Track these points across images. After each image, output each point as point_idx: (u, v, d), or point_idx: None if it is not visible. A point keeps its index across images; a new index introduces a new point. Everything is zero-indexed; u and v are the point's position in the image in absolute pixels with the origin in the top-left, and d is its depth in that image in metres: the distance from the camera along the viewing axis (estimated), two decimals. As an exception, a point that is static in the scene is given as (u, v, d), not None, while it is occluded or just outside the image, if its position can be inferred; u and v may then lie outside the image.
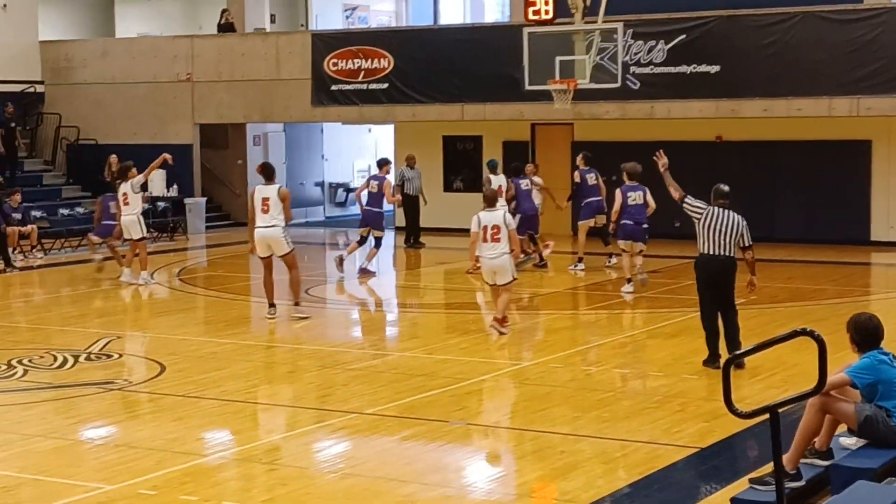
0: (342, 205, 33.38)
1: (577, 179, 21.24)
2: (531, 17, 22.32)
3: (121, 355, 14.01)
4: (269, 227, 16.09)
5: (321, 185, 32.97)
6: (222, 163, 30.31)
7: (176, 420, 11.11)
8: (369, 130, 32.97)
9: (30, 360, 13.56)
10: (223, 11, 29.98)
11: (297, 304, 16.60)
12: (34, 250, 24.00)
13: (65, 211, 27.40)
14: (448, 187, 28.08)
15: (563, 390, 12.24)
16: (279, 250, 16.25)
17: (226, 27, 29.69)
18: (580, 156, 21.43)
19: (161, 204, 28.25)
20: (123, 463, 9.77)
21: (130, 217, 19.98)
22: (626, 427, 10.70)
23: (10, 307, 19.28)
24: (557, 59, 21.65)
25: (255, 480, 9.42)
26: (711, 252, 12.57)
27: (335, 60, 27.45)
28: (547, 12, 22.04)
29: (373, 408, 11.37)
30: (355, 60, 27.21)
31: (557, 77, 21.62)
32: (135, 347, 14.48)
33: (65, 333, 15.78)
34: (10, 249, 22.73)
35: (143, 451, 10.04)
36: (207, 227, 28.81)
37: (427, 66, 26.50)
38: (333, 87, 27.50)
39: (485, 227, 14.63)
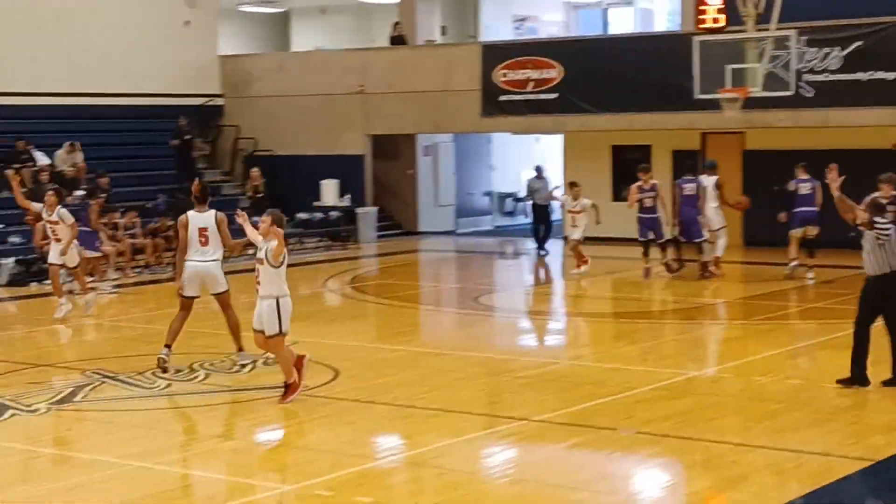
0: (510, 214, 33.57)
1: (792, 188, 20.81)
2: (702, 25, 22.12)
3: (296, 360, 14.35)
4: (207, 262, 13.85)
5: (489, 194, 33.22)
6: (393, 173, 30.77)
7: (349, 424, 11.37)
8: (537, 140, 33.07)
9: (210, 364, 14.02)
10: (395, 24, 30.47)
11: (240, 349, 14.21)
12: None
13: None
14: (617, 196, 27.95)
15: (734, 400, 12.15)
16: (214, 288, 14.10)
17: (397, 39, 30.18)
18: (800, 165, 21.05)
19: (333, 213, 28.83)
20: (299, 464, 10.07)
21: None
22: (798, 438, 10.57)
23: (193, 314, 19.87)
24: (729, 67, 21.38)
25: (425, 484, 9.61)
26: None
27: (504, 71, 27.66)
28: (718, 21, 21.81)
29: (541, 415, 11.46)
30: (524, 71, 27.38)
31: (729, 85, 21.37)
32: (310, 353, 14.76)
33: (243, 339, 16.20)
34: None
35: (319, 453, 10.33)
36: (378, 237, 29.29)
37: (596, 76, 26.51)
38: (502, 98, 27.70)
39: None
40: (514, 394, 12.68)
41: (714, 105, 22.25)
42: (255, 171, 29.20)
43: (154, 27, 29.92)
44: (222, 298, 14.11)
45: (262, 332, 12.11)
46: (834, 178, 12.50)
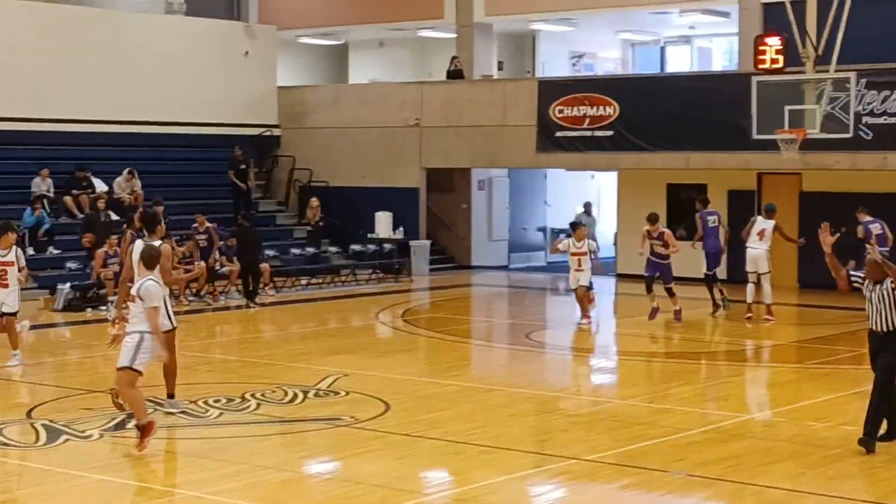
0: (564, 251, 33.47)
1: (861, 235, 20.52)
2: (761, 66, 22.04)
3: (347, 393, 14.41)
4: None
5: (543, 230, 33.19)
6: (447, 206, 30.83)
7: (399, 458, 11.38)
8: (592, 177, 33.04)
9: (262, 395, 14.08)
10: (453, 58, 30.61)
11: (171, 395, 13.24)
12: (266, 288, 24.88)
13: (296, 251, 28.32)
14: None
15: (788, 445, 12.04)
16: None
17: (455, 74, 30.31)
18: (861, 209, 20.90)
19: (387, 246, 28.92)
20: (349, 497, 10.08)
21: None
22: (852, 486, 10.46)
23: (244, 342, 20.04)
24: (787, 108, 21.30)
25: (475, 521, 9.60)
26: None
27: (561, 107, 27.68)
28: (776, 61, 21.71)
29: (591, 454, 11.41)
30: (581, 107, 27.39)
31: (787, 126, 21.27)
32: (361, 385, 14.85)
33: (294, 370, 16.32)
34: (262, 286, 23.72)
35: (368, 486, 10.34)
36: (431, 270, 29.33)
37: (653, 114, 26.47)
38: (558, 134, 27.72)
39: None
40: (564, 432, 12.64)
41: (771, 145, 22.14)
42: (314, 201, 29.40)
43: (214, 57, 30.25)
44: (166, 338, 12.40)
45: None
46: (826, 237, 12.12)
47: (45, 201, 25.28)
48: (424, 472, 11.13)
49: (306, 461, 11.55)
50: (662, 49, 35.19)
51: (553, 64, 33.43)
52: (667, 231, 21.27)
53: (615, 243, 29.33)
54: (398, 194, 29.80)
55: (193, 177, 29.04)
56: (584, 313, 20.63)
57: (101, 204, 25.13)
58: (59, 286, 22.29)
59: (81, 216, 25.21)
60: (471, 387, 15.31)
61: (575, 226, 21.63)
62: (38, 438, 11.88)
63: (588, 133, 27.35)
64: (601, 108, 27.19)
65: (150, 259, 11.77)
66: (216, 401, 13.65)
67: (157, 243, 12.88)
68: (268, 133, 31.22)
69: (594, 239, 23.96)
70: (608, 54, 35.23)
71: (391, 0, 32.11)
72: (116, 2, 30.12)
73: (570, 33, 33.17)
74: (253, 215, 25.54)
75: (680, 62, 34.77)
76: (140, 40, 28.81)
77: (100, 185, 26.55)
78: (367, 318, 22.57)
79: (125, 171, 26.85)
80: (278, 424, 12.91)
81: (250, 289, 23.09)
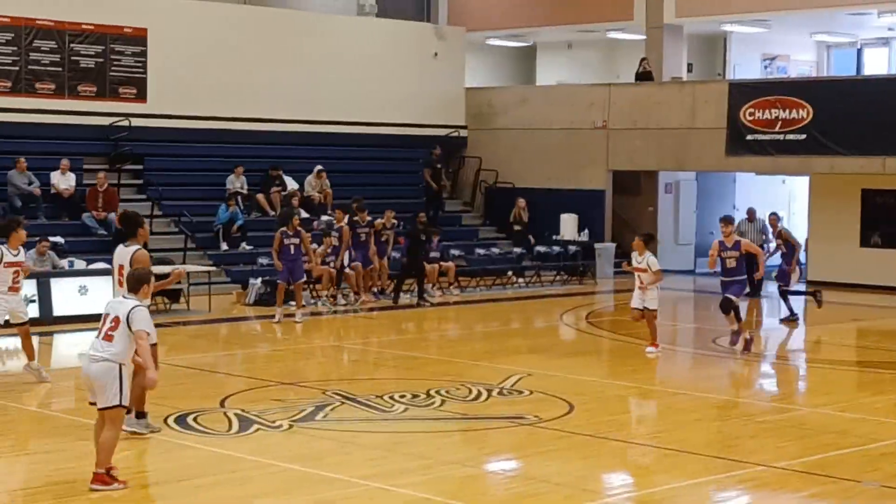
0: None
1: None
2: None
3: (531, 392, 14.42)
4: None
5: (731, 235, 32.59)
6: (633, 209, 30.59)
7: (583, 458, 11.34)
8: (783, 182, 32.36)
9: (447, 392, 14.20)
10: (642, 60, 30.36)
11: (141, 413, 11.69)
12: (451, 287, 25.09)
13: (481, 251, 28.48)
14: (865, 242, 27.10)
15: None
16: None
17: (644, 76, 30.06)
18: None
19: (571, 248, 28.85)
20: (532, 495, 10.09)
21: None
22: None
23: (427, 340, 20.25)
24: None
25: (659, 524, 9.51)
26: None
27: (752, 110, 27.19)
28: (981, 62, 20.98)
29: (780, 462, 11.17)
30: (773, 110, 26.85)
31: None
32: (544, 385, 14.83)
33: (478, 368, 16.41)
34: (429, 285, 23.89)
35: (551, 485, 10.33)
36: (616, 273, 29.11)
37: (848, 118, 25.78)
38: (749, 137, 27.23)
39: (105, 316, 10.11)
40: (751, 438, 12.41)
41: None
42: (521, 201, 29.41)
43: (404, 58, 30.63)
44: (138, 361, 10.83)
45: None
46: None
47: (239, 198, 25.99)
48: (607, 474, 11.06)
49: (490, 458, 11.61)
50: (859, 51, 34.26)
51: (744, 66, 32.87)
52: (744, 241, 18.18)
53: (805, 250, 28.66)
54: (584, 196, 29.69)
55: (381, 176, 29.47)
56: (653, 339, 17.55)
57: (296, 201, 25.69)
58: (251, 281, 22.87)
59: (273, 213, 25.82)
60: (655, 390, 15.17)
61: (649, 238, 18.05)
62: (230, 427, 12.21)
63: (779, 136, 26.81)
64: (794, 111, 26.61)
65: (137, 282, 10.18)
66: (401, 396, 13.82)
67: (135, 248, 11.66)
68: (455, 134, 31.46)
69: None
70: (802, 56, 34.46)
71: (580, 1, 32.03)
72: (309, 4, 30.76)
73: (762, 35, 32.56)
74: (424, 219, 25.51)
75: (878, 65, 33.77)
76: (332, 42, 29.37)
77: (291, 184, 27.17)
78: (552, 319, 22.55)
79: (315, 170, 27.41)
80: (462, 421, 13.00)
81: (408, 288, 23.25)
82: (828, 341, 20.52)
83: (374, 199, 27.16)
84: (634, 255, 17.41)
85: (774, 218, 22.52)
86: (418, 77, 30.75)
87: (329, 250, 22.83)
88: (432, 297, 23.76)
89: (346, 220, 22.90)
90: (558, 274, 27.94)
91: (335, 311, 22.17)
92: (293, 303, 20.81)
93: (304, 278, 20.90)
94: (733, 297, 17.53)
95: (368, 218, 23.37)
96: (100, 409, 9.84)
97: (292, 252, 20.33)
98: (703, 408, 14.09)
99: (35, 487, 9.40)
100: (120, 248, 11.87)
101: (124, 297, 10.23)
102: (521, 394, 14.35)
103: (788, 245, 21.46)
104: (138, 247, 11.75)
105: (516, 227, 29.43)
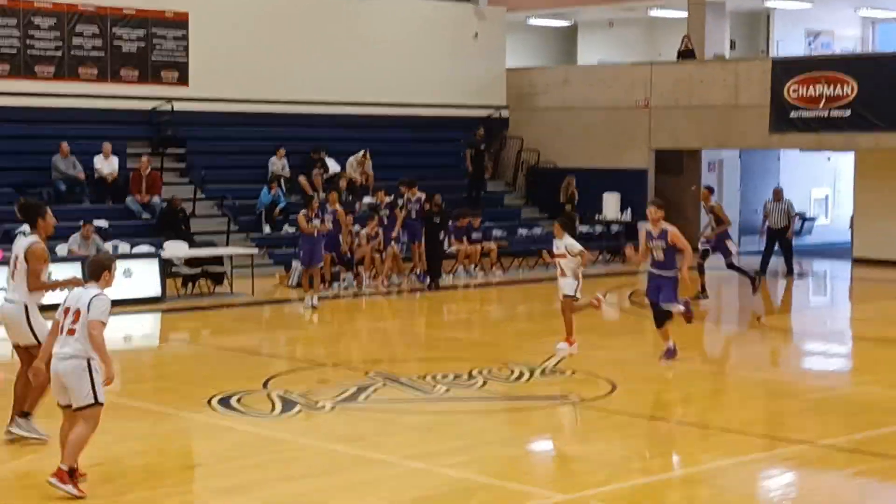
0: (797, 234, 32.65)
1: None
2: None
3: (573, 372, 14.39)
4: (6, 303, 10.71)
5: (776, 213, 32.39)
6: (675, 188, 30.41)
7: (626, 438, 11.31)
8: (828, 159, 32.09)
9: (489, 372, 14.19)
10: (683, 38, 30.16)
11: (23, 414, 10.61)
12: (493, 268, 25.06)
13: (523, 231, 28.42)
14: (913, 220, 26.86)
15: None
16: (16, 337, 10.64)
17: (686, 53, 29.87)
18: None
19: (614, 227, 28.73)
20: (575, 475, 10.08)
21: None
22: None
23: (470, 321, 20.25)
24: None
25: (699, 503, 9.46)
26: None
27: (796, 86, 26.96)
28: None
29: (825, 440, 11.10)
30: (817, 87, 26.60)
31: None
32: (587, 365, 14.80)
33: (520, 348, 16.40)
34: (461, 268, 23.90)
35: (595, 464, 10.31)
36: (659, 252, 28.98)
37: (893, 93, 25.51)
38: (793, 114, 27.00)
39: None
40: (796, 417, 12.34)
41: None
42: (571, 180, 29.23)
43: (444, 39, 30.57)
44: (27, 352, 10.52)
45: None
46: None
47: (282, 181, 26.06)
48: (651, 452, 11.02)
49: (532, 438, 11.61)
50: (904, 26, 33.92)
51: (788, 43, 32.60)
52: (671, 231, 14.83)
53: (851, 227, 28.44)
54: (626, 176, 29.56)
55: (422, 158, 29.45)
56: (567, 333, 15.51)
57: (342, 184, 25.71)
58: (294, 263, 22.93)
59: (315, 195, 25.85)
60: (699, 369, 15.10)
61: (568, 221, 16.28)
62: (274, 408, 12.26)
63: (824, 113, 26.56)
64: (839, 87, 26.36)
65: (98, 268, 9.51)
66: (444, 376, 13.83)
67: (33, 239, 10.57)
68: (496, 115, 31.39)
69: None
70: (846, 32, 34.14)
71: (621, -21, 31.89)
72: (350, -14, 30.76)
73: (806, 11, 32.28)
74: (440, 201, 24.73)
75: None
76: (373, 24, 29.35)
77: (333, 166, 27.21)
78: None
79: (360, 153, 27.40)
80: (505, 401, 13.00)
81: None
82: (874, 318, 20.33)
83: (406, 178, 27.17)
84: (555, 241, 15.62)
85: (707, 192, 21.68)
86: (459, 58, 30.68)
87: (374, 233, 22.86)
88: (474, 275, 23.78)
89: (390, 199, 22.95)
90: (601, 253, 27.84)
91: (377, 293, 22.20)
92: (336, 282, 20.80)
93: (321, 263, 20.76)
94: (668, 307, 15.01)
95: (419, 193, 23.33)
96: (74, 410, 9.22)
97: (315, 235, 20.23)
98: (746, 386, 14.02)
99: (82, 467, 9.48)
100: (19, 238, 10.89)
101: (84, 287, 9.51)
102: (564, 374, 14.32)
103: (718, 220, 21.12)
104: (36, 239, 10.58)
105: (567, 207, 29.23)
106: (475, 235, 24.78)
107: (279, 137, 27.02)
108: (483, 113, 30.95)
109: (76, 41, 25.27)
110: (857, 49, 33.45)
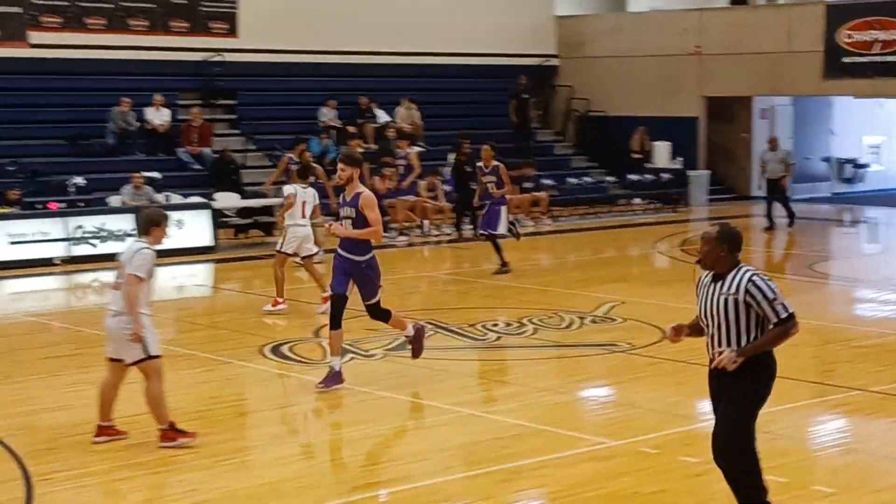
0: (849, 181, 32.36)
1: None
2: None
3: (624, 320, 14.39)
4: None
5: (828, 160, 32.10)
6: (727, 136, 30.19)
7: (676, 384, 11.32)
8: (882, 105, 31.68)
9: (539, 320, 14.22)
10: (735, -17, 29.82)
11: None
12: (544, 217, 25.03)
13: (573, 180, 28.33)
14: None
15: None
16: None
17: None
18: None
19: (665, 176, 28.58)
20: (625, 421, 10.11)
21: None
22: None
23: (520, 269, 20.23)
24: None
25: (753, 449, 9.45)
26: None
27: (849, 32, 26.61)
28: None
29: (877, 386, 11.06)
30: (871, 32, 26.25)
31: None
32: (637, 313, 14.78)
33: (570, 296, 16.40)
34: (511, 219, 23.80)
35: (645, 411, 10.34)
36: (709, 200, 28.84)
37: (950, 37, 25.16)
38: (846, 60, 26.68)
39: None
40: (848, 363, 12.29)
41: None
42: (641, 128, 28.94)
43: (493, -12, 30.37)
44: None
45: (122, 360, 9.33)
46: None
47: (333, 131, 26.08)
48: (700, 399, 10.96)
49: (582, 385, 11.64)
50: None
51: (842, -13, 32.09)
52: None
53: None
54: (677, 124, 29.35)
55: (472, 107, 29.35)
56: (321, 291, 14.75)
57: (391, 133, 25.69)
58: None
59: (365, 146, 25.89)
60: (750, 317, 15.02)
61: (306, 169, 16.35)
62: (325, 356, 12.35)
63: (878, 58, 26.22)
64: (893, 31, 25.98)
65: (147, 223, 9.38)
66: (494, 325, 13.88)
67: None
68: (546, 63, 31.21)
69: None
70: (902, -25, 33.52)
71: (672, -76, 31.47)
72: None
73: (860, -46, 31.73)
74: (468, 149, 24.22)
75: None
76: (421, -28, 29.20)
77: (382, 116, 27.19)
78: (644, 247, 22.43)
79: (404, 101, 27.34)
80: (555, 349, 13.03)
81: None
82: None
83: (464, 130, 27.12)
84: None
85: (489, 149, 18.70)
86: (508, 6, 30.47)
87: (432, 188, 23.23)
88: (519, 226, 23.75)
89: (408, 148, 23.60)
90: (651, 202, 27.73)
91: (426, 242, 22.25)
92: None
93: None
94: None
95: (469, 150, 23.20)
96: (128, 365, 9.25)
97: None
98: (800, 334, 13.86)
99: (140, 414, 9.61)
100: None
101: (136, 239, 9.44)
102: (614, 322, 14.34)
103: (500, 181, 18.32)
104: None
105: (636, 156, 28.98)
106: (526, 185, 24.72)
107: (328, 88, 27.02)
108: (533, 62, 30.79)
109: (126, -7, 25.35)
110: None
